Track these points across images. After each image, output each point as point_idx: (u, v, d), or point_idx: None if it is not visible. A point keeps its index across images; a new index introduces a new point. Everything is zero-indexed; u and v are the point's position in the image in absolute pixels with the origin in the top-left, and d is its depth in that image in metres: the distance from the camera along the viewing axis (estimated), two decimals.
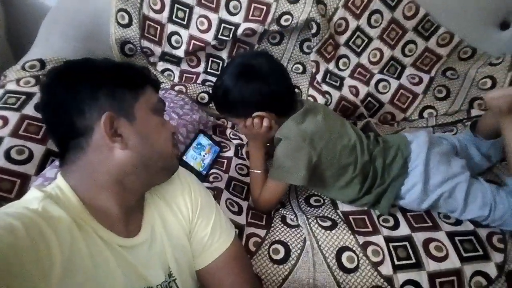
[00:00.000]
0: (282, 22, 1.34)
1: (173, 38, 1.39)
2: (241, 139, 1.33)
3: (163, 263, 0.67)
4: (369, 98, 1.45)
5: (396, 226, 1.00)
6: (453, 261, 0.91)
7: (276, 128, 1.05)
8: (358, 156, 1.05)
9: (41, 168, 0.98)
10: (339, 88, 1.43)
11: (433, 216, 1.03)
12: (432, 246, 0.94)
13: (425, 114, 1.45)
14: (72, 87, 0.60)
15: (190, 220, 0.73)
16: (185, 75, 1.46)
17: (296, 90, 1.43)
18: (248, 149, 1.17)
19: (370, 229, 0.99)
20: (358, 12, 1.37)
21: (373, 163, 1.06)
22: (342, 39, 1.42)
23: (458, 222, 1.01)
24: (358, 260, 0.91)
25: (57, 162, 0.98)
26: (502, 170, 1.16)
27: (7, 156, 0.94)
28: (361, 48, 1.43)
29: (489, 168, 1.19)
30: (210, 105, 1.43)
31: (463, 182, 1.00)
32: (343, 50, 1.44)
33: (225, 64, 1.43)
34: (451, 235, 0.97)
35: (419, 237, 0.96)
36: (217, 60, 1.45)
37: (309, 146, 0.99)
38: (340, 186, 1.06)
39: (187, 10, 1.35)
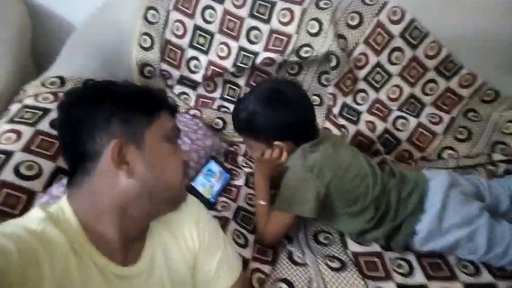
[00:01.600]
0: (302, 54, 1.34)
1: (192, 63, 1.40)
2: (252, 167, 1.31)
3: None
4: (386, 135, 1.42)
5: (410, 272, 0.94)
6: None
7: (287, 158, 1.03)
8: (370, 186, 1.02)
9: (48, 185, 0.97)
10: (356, 122, 1.41)
11: (450, 264, 0.98)
12: None
13: (444, 155, 1.40)
14: (87, 109, 0.60)
15: (195, 253, 0.70)
16: (201, 99, 1.46)
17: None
18: (255, 179, 1.15)
19: (383, 274, 0.94)
20: (379, 48, 1.36)
21: (387, 195, 1.03)
22: (362, 73, 1.41)
23: (476, 272, 0.95)
24: None
25: (64, 180, 0.97)
26: None
27: (16, 171, 0.93)
28: (380, 84, 1.41)
29: None
30: (224, 131, 1.42)
31: (483, 225, 0.95)
32: (362, 85, 1.42)
33: (243, 95, 1.43)
34: (468, 287, 0.90)
35: (435, 287, 0.90)
36: (234, 87, 1.45)
37: (315, 177, 0.98)
38: (350, 215, 1.03)
39: (209, 36, 1.37)
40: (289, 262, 0.96)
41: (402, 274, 0.93)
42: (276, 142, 1.01)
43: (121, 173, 0.58)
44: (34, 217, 0.54)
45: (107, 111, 0.59)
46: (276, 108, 0.98)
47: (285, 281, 0.91)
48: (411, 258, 0.98)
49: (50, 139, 1.03)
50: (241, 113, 1.03)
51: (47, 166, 0.99)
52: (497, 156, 1.32)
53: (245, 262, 0.90)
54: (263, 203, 1.06)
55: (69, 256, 0.52)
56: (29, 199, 0.92)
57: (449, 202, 0.98)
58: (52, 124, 1.07)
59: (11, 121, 1.05)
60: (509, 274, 0.94)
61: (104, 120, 0.59)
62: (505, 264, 0.95)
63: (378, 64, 1.39)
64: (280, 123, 0.98)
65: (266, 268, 0.93)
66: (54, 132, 1.05)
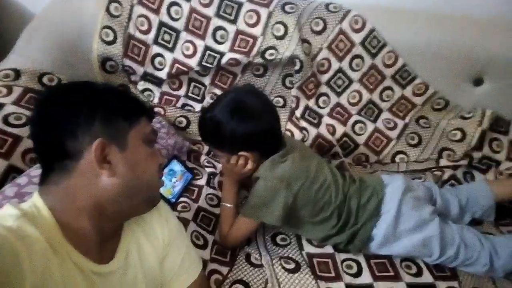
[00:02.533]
0: (267, 56, 1.36)
1: (157, 60, 1.38)
2: (214, 167, 1.33)
3: None
4: (345, 138, 1.47)
5: (358, 273, 1.01)
6: None
7: (255, 168, 1.05)
8: (333, 196, 1.06)
9: (0, 185, 0.93)
10: (317, 125, 1.45)
11: (395, 264, 1.05)
12: None
13: (397, 159, 1.48)
14: (70, 108, 0.60)
15: (164, 247, 0.74)
16: (165, 97, 1.44)
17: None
18: (223, 181, 1.16)
19: (333, 274, 0.99)
20: (341, 54, 1.41)
21: (348, 202, 1.08)
22: (324, 78, 1.45)
23: (419, 273, 1.03)
24: None
25: (18, 180, 0.94)
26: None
27: None
28: (341, 88, 1.46)
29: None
30: (187, 129, 1.42)
31: (435, 229, 1.02)
32: (324, 89, 1.46)
33: (211, 92, 1.43)
34: (411, 287, 0.98)
35: (380, 286, 0.97)
36: (199, 85, 1.45)
37: (285, 188, 1.00)
38: (314, 224, 1.06)
39: (174, 34, 1.36)
40: (246, 263, 0.99)
41: (350, 275, 0.99)
42: (241, 153, 1.02)
43: (103, 172, 0.59)
44: (7, 214, 0.54)
45: (90, 111, 0.60)
46: (241, 120, 0.98)
47: (242, 282, 0.94)
48: (360, 259, 1.05)
49: (2, 136, 0.99)
50: (207, 124, 1.04)
51: None
52: (443, 162, 1.41)
53: (204, 263, 0.91)
54: (230, 205, 1.08)
55: (48, 253, 0.53)
56: None
57: (403, 207, 1.04)
58: (5, 120, 1.02)
59: None
60: (448, 275, 1.02)
61: (87, 120, 0.59)
62: (457, 265, 1.03)
63: (340, 70, 1.44)
64: (245, 134, 0.99)
65: (224, 269, 0.96)
66: (7, 129, 1.01)
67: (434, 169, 1.41)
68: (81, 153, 0.59)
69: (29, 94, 1.12)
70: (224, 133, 0.99)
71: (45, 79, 1.20)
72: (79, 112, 0.60)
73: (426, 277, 1.01)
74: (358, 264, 1.03)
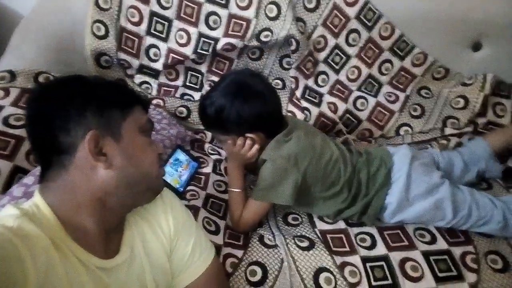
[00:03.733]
0: (262, 38, 1.34)
1: (151, 51, 1.36)
2: (219, 154, 1.32)
3: (141, 285, 0.65)
4: (347, 115, 1.47)
5: (373, 245, 1.00)
6: (428, 281, 0.92)
7: (259, 150, 1.04)
8: (342, 169, 1.06)
9: (7, 185, 0.93)
10: (318, 104, 1.44)
11: (409, 234, 1.04)
12: (408, 266, 0.95)
13: (401, 132, 1.48)
14: (60, 103, 0.60)
15: (171, 239, 0.72)
16: (163, 88, 1.43)
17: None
18: (228, 167, 1.15)
19: (348, 248, 0.99)
20: (336, 30, 1.39)
21: (358, 174, 1.08)
22: (321, 56, 1.43)
23: (433, 240, 1.03)
24: (336, 282, 0.90)
25: (25, 180, 0.94)
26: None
27: None
28: (339, 65, 1.45)
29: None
30: (189, 119, 1.41)
31: (446, 191, 1.03)
32: (322, 67, 1.45)
33: (209, 79, 1.42)
34: (426, 255, 0.98)
35: (395, 257, 0.96)
36: (196, 74, 1.43)
37: (294, 167, 0.99)
38: (325, 199, 1.06)
39: (166, 23, 1.34)
40: (260, 245, 0.99)
41: (365, 248, 0.99)
42: (247, 134, 1.01)
43: (99, 164, 0.59)
44: (7, 215, 0.54)
45: (80, 105, 0.59)
46: (245, 101, 0.97)
47: (257, 263, 0.94)
48: (374, 231, 1.04)
49: (5, 138, 0.99)
50: (208, 110, 1.01)
51: (4, 166, 0.95)
52: (448, 130, 1.40)
53: (218, 248, 0.91)
54: (237, 190, 1.07)
55: (50, 251, 0.52)
56: None
57: (413, 174, 1.05)
58: (5, 122, 1.01)
59: None
60: (462, 240, 1.02)
61: (79, 114, 0.59)
62: (471, 225, 1.03)
63: (337, 46, 1.42)
64: (250, 115, 0.98)
65: (238, 252, 0.96)
66: (8, 130, 1.00)
67: (440, 138, 1.40)
68: (75, 147, 0.58)
69: (27, 94, 1.10)
70: (229, 116, 0.98)
71: (41, 78, 1.18)
72: (69, 106, 0.59)
73: (441, 244, 1.01)
74: (372, 237, 1.03)
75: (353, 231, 1.04)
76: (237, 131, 1.01)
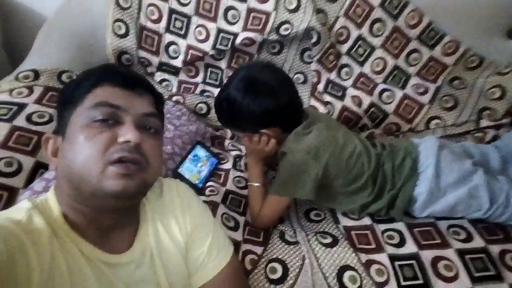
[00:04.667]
0: (282, 31, 1.31)
1: (171, 48, 1.36)
2: (239, 150, 1.29)
3: (153, 284, 0.63)
4: (372, 109, 1.40)
5: (402, 243, 0.94)
6: (463, 282, 0.85)
7: (278, 144, 1.01)
8: (365, 163, 1.01)
9: (29, 181, 0.94)
10: (341, 98, 1.39)
11: (442, 231, 0.97)
12: (441, 265, 0.88)
13: (431, 125, 1.39)
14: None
15: (187, 237, 0.70)
16: (183, 85, 1.43)
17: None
18: (247, 161, 1.13)
19: (374, 246, 0.93)
20: (359, 21, 1.34)
21: (382, 167, 1.02)
22: (344, 48, 1.38)
23: (468, 238, 0.95)
24: (361, 280, 0.85)
25: (46, 175, 0.95)
26: None
27: None
28: (363, 57, 1.39)
29: None
30: (208, 115, 1.39)
31: (480, 178, 0.96)
32: (345, 60, 1.40)
33: (229, 76, 1.39)
34: (461, 253, 0.90)
35: (427, 255, 0.90)
36: (216, 70, 1.42)
37: (314, 160, 0.95)
38: (349, 194, 1.02)
39: (185, 20, 1.33)
40: (281, 242, 0.95)
41: (393, 245, 0.93)
42: (262, 130, 0.98)
43: (53, 167, 0.61)
44: (20, 207, 0.55)
45: (57, 113, 0.63)
46: (256, 97, 0.94)
47: (278, 260, 0.90)
48: (402, 228, 0.98)
49: (27, 134, 1.01)
50: (222, 108, 1.01)
51: (27, 162, 0.96)
52: (484, 123, 1.31)
53: (237, 245, 0.89)
54: (257, 184, 1.05)
55: (54, 245, 0.52)
56: (11, 196, 0.90)
57: (442, 162, 0.99)
58: (29, 119, 1.04)
59: None
60: (501, 237, 0.94)
61: (57, 121, 0.63)
62: (507, 218, 0.95)
63: (360, 37, 1.36)
64: (263, 111, 0.95)
65: (258, 249, 0.92)
66: (31, 127, 1.03)
67: (475, 131, 1.31)
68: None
69: (50, 92, 1.13)
70: (241, 112, 0.96)
71: (64, 77, 1.21)
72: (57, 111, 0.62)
73: (477, 242, 0.93)
74: (400, 234, 0.96)
75: (380, 227, 0.98)
76: (252, 128, 0.99)
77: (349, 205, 1.03)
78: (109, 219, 0.61)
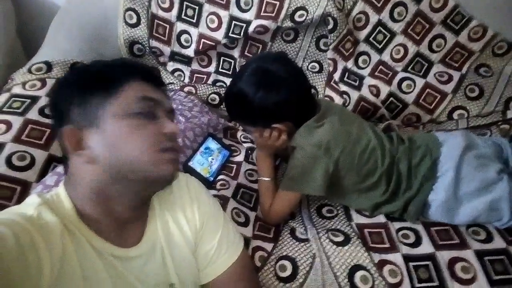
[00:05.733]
0: (296, 18, 1.25)
1: (183, 37, 1.33)
2: (252, 142, 1.27)
3: (163, 277, 0.64)
4: (391, 98, 1.34)
5: (417, 242, 0.91)
6: (481, 285, 0.81)
7: (288, 138, 0.98)
8: (379, 160, 0.96)
9: (42, 174, 0.96)
10: (358, 88, 1.33)
11: (460, 231, 0.93)
12: (458, 266, 0.84)
13: (455, 116, 1.33)
14: (56, 98, 0.62)
15: (196, 232, 0.70)
16: (195, 75, 1.40)
17: (312, 90, 1.34)
18: (257, 156, 1.11)
19: (388, 245, 0.90)
20: (379, 5, 1.27)
21: (397, 165, 0.97)
22: (362, 34, 1.32)
23: (488, 238, 0.90)
24: (373, 281, 0.83)
25: (58, 169, 0.96)
26: None
27: (9, 162, 0.92)
28: (383, 44, 1.33)
29: None
30: (221, 106, 1.37)
31: (503, 190, 0.89)
32: (363, 47, 1.33)
33: (238, 68, 1.36)
34: (480, 254, 0.86)
35: (443, 256, 0.86)
36: (229, 59, 1.38)
37: (324, 154, 0.92)
38: (361, 191, 0.98)
39: (197, 7, 1.30)
40: (292, 239, 0.93)
41: (408, 245, 0.89)
42: (274, 125, 0.95)
43: (82, 158, 0.57)
44: (30, 203, 0.55)
45: (65, 100, 0.60)
46: (267, 91, 0.91)
47: (287, 257, 0.88)
48: (419, 227, 0.94)
49: (40, 128, 1.02)
50: (232, 101, 0.98)
51: (40, 156, 0.98)
52: (511, 114, 1.23)
53: (246, 241, 0.87)
54: (267, 179, 1.03)
55: (65, 239, 0.53)
56: (24, 190, 0.91)
57: (464, 167, 0.92)
58: (41, 112, 1.04)
59: (1, 111, 1.03)
60: None
61: (66, 109, 0.59)
62: None
63: (380, 23, 1.29)
64: (274, 105, 0.91)
65: (268, 246, 0.91)
66: (44, 120, 1.03)
67: (501, 123, 1.23)
68: None
69: None
70: (252, 107, 0.93)
71: None
72: (61, 100, 0.60)
73: (498, 243, 0.89)
74: (416, 233, 0.93)
75: (394, 226, 0.95)
76: (263, 123, 0.97)
77: (361, 203, 1.00)
78: (129, 210, 0.62)
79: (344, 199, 1.02)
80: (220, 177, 1.10)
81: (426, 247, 0.89)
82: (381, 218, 0.98)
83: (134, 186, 0.60)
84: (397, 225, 0.95)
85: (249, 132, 1.17)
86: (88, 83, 0.60)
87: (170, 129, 0.61)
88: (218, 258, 0.70)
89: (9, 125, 0.99)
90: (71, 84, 0.61)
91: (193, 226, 0.69)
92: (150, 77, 0.64)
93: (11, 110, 1.03)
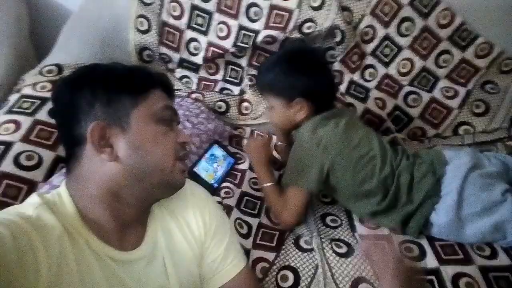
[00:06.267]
0: (305, 30, 1.27)
1: (192, 45, 1.35)
2: None
3: (163, 283, 0.63)
4: (397, 112, 1.35)
5: (421, 256, 0.90)
6: None
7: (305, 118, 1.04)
8: (376, 168, 0.97)
9: (49, 175, 0.96)
10: (364, 100, 1.34)
11: (465, 246, 0.92)
12: (462, 282, 0.83)
13: (460, 131, 1.33)
14: (71, 94, 0.60)
15: (202, 242, 0.69)
16: (203, 82, 1.42)
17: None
18: (252, 165, 1.14)
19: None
20: (387, 19, 1.28)
21: (398, 177, 0.97)
22: (369, 48, 1.33)
23: (493, 255, 0.90)
24: None
25: (65, 169, 0.96)
26: None
27: (16, 161, 0.93)
28: (389, 58, 1.34)
29: None
30: (227, 113, 1.38)
31: (508, 211, 0.87)
32: (369, 60, 1.35)
33: (250, 73, 1.38)
34: (484, 271, 0.85)
35: (448, 271, 0.85)
36: (236, 68, 1.40)
37: (322, 152, 0.96)
38: (358, 196, 1.00)
39: (207, 16, 1.32)
40: (295, 248, 0.93)
41: (411, 258, 0.89)
42: (298, 99, 1.01)
43: (104, 156, 0.57)
44: (30, 203, 0.55)
45: (90, 95, 0.58)
46: (306, 67, 1.02)
47: (290, 268, 0.88)
48: (423, 241, 0.93)
49: (48, 128, 1.02)
50: (270, 66, 1.07)
51: (47, 156, 0.98)
52: None
53: (247, 253, 0.87)
54: (269, 184, 1.05)
55: (63, 241, 0.52)
56: (30, 189, 0.92)
57: (468, 188, 0.91)
58: (50, 113, 1.05)
59: (10, 111, 1.04)
60: None
61: (88, 104, 0.58)
62: None
63: (387, 37, 1.31)
64: (307, 80, 1.00)
65: (270, 255, 0.91)
66: (53, 121, 1.04)
67: (506, 139, 1.23)
68: (85, 138, 0.57)
69: None
70: (287, 76, 1.01)
71: None
72: (80, 96, 0.58)
73: (502, 259, 0.88)
74: (420, 247, 0.92)
75: (398, 238, 0.94)
76: (289, 94, 1.01)
77: (360, 209, 1.02)
78: (135, 213, 0.62)
79: (344, 201, 1.05)
80: (225, 184, 1.10)
81: (430, 262, 0.88)
82: (384, 231, 0.97)
83: (147, 189, 0.61)
84: (401, 238, 0.94)
85: (270, 110, 1.15)
86: (117, 84, 0.60)
87: (184, 138, 0.66)
88: (225, 266, 0.70)
89: (18, 124, 1.00)
90: (96, 82, 0.60)
91: (197, 234, 0.69)
92: (168, 88, 0.67)
93: (21, 110, 1.04)
